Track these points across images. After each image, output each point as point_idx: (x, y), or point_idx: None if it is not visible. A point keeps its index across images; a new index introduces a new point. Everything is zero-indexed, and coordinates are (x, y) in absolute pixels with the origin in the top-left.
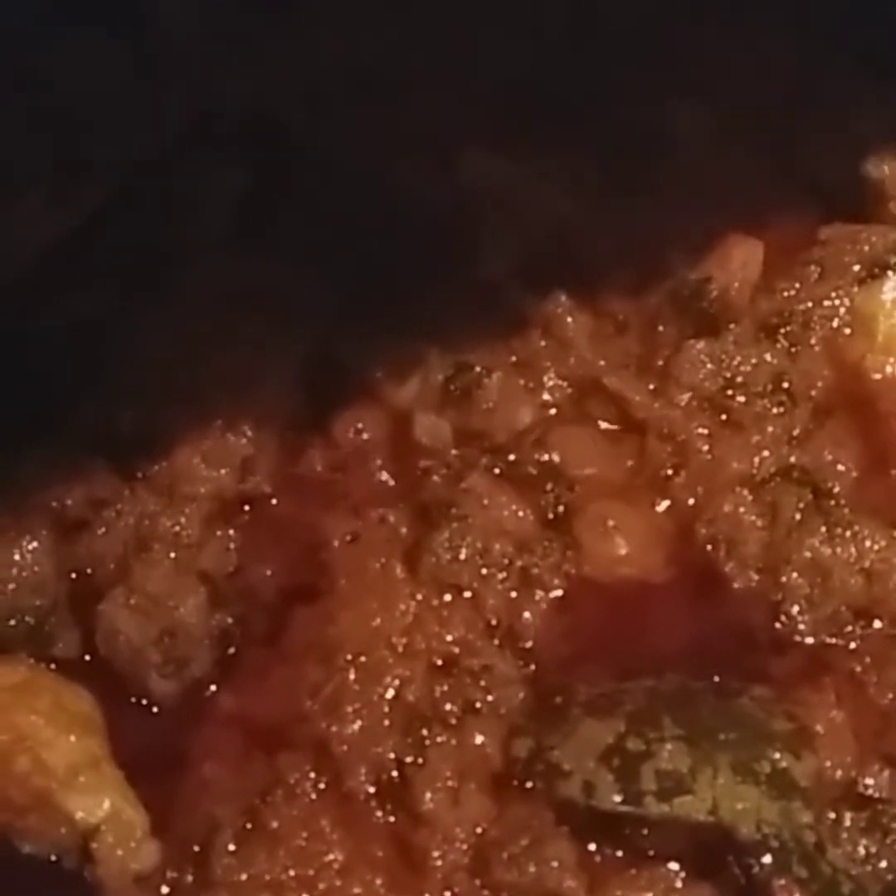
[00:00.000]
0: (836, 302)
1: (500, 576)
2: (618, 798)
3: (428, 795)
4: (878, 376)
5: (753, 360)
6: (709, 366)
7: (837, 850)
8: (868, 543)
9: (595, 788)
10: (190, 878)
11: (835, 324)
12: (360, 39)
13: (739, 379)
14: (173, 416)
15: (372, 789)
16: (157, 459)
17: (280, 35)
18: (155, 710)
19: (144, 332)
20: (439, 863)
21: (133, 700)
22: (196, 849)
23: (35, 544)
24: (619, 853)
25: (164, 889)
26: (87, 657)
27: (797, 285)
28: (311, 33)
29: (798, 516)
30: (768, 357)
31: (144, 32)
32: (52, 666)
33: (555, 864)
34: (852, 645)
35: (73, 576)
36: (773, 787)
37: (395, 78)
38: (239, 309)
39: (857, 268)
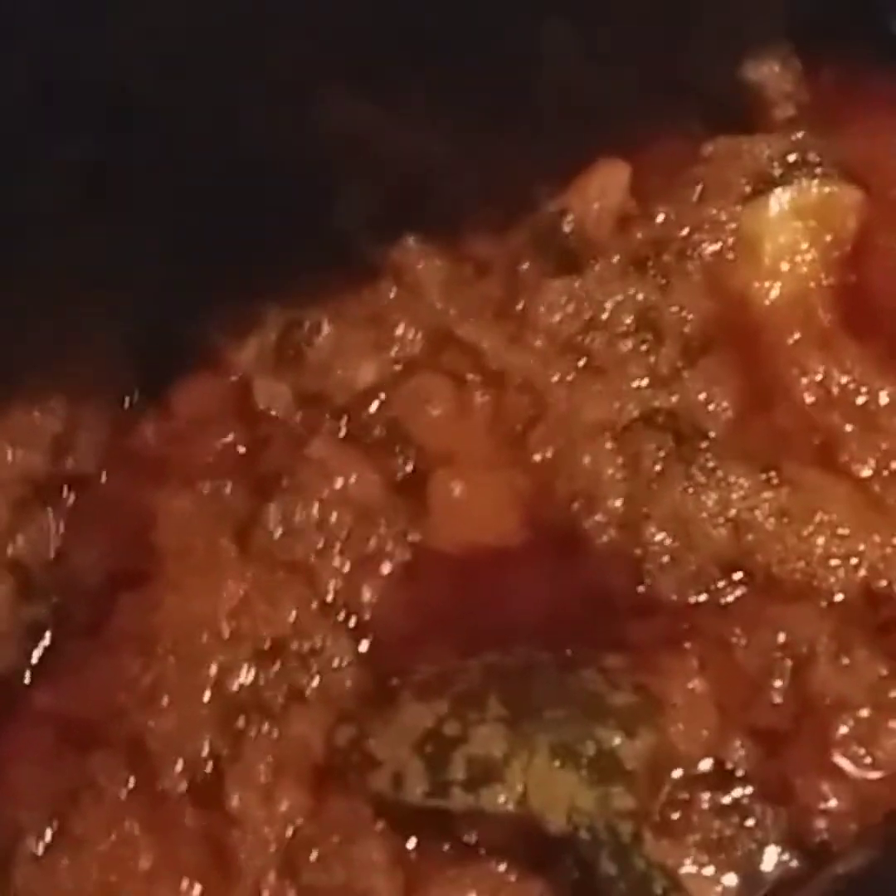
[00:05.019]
0: (720, 224)
1: (338, 548)
2: (423, 789)
3: (237, 793)
4: (765, 303)
5: (618, 297)
6: (567, 307)
7: (666, 840)
8: (734, 493)
9: (404, 780)
10: None
11: (717, 249)
12: None
13: (601, 317)
14: None
15: (185, 788)
16: None
17: None
18: None
19: None
20: (248, 866)
21: None
22: None
23: None
24: (446, 847)
25: None
26: None
27: (676, 209)
28: None
29: (658, 466)
30: (634, 292)
31: None
32: None
33: (363, 864)
34: (721, 602)
35: None
36: (594, 771)
37: (243, 22)
38: (69, 283)
39: (742, 182)
